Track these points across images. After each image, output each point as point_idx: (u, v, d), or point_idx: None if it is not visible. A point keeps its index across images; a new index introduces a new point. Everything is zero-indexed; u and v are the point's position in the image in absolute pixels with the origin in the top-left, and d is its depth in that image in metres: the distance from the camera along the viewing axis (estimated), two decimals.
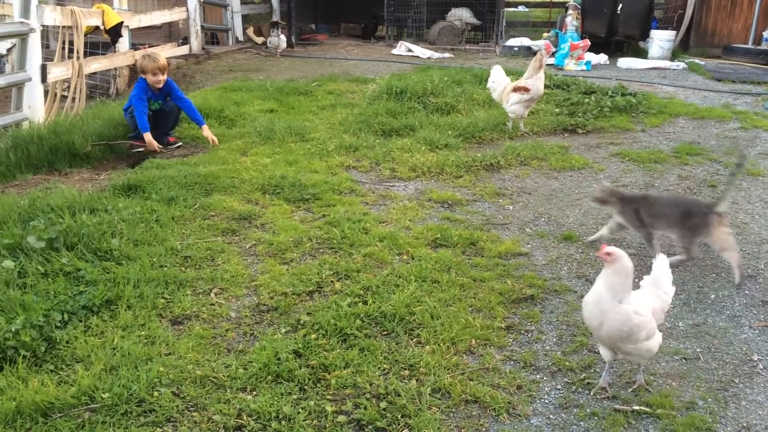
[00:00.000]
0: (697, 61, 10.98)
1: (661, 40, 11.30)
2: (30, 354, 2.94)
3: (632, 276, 2.75)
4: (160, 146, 6.19)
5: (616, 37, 11.81)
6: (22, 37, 6.97)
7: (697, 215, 3.90)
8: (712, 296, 3.75)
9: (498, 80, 6.88)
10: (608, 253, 2.75)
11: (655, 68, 10.57)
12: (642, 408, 2.78)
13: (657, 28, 11.88)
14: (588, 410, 2.77)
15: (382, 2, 13.40)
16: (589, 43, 10.74)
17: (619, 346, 2.80)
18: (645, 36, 11.76)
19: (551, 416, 2.75)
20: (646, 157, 6.03)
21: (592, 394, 2.87)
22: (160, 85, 6.28)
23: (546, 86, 8.19)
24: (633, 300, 2.78)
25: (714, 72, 10.07)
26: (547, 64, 10.75)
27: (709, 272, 4.02)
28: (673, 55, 11.39)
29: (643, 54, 11.55)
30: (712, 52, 11.90)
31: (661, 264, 2.94)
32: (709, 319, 3.52)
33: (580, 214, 4.85)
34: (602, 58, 11.14)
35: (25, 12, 6.96)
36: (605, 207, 4.24)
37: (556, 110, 7.46)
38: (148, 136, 6.04)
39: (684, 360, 3.15)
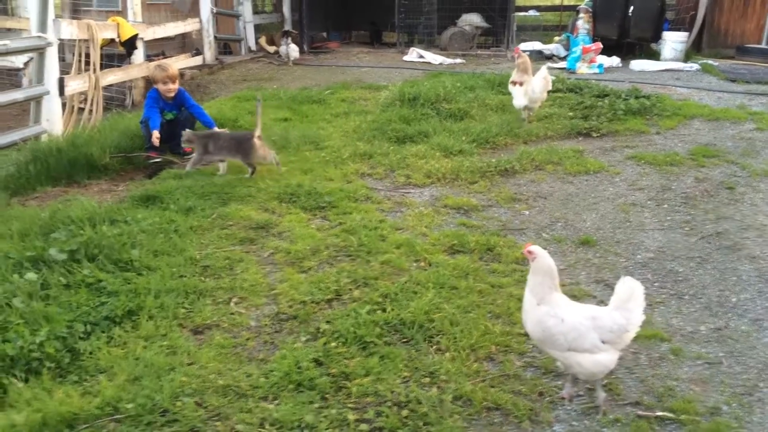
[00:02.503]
0: (710, 62, 10.90)
1: (673, 41, 11.24)
2: (54, 365, 2.98)
3: (552, 275, 2.72)
4: (175, 155, 6.27)
5: (628, 40, 11.74)
6: (40, 51, 7.07)
7: (246, 141, 5.41)
8: (734, 299, 3.72)
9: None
10: (530, 251, 2.72)
11: (668, 70, 10.51)
12: (666, 414, 2.76)
13: (669, 30, 11.80)
14: (611, 416, 2.76)
15: (387, 9, 13.44)
16: (601, 46, 10.70)
17: (548, 351, 2.79)
18: (657, 38, 11.68)
19: (574, 423, 2.74)
20: (662, 160, 6.00)
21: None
22: (172, 94, 6.33)
23: (558, 90, 8.30)
24: (558, 303, 2.72)
25: (728, 73, 9.99)
26: (560, 68, 10.80)
27: (730, 275, 3.99)
28: (686, 57, 11.31)
29: (655, 56, 11.49)
30: (725, 52, 11.80)
31: (629, 289, 2.69)
32: (731, 322, 3.49)
33: (597, 218, 4.84)
34: (614, 60, 11.10)
35: (42, 26, 7.06)
36: (191, 145, 5.74)
37: (570, 114, 7.44)
38: (154, 132, 6.03)
39: (707, 365, 3.13)
